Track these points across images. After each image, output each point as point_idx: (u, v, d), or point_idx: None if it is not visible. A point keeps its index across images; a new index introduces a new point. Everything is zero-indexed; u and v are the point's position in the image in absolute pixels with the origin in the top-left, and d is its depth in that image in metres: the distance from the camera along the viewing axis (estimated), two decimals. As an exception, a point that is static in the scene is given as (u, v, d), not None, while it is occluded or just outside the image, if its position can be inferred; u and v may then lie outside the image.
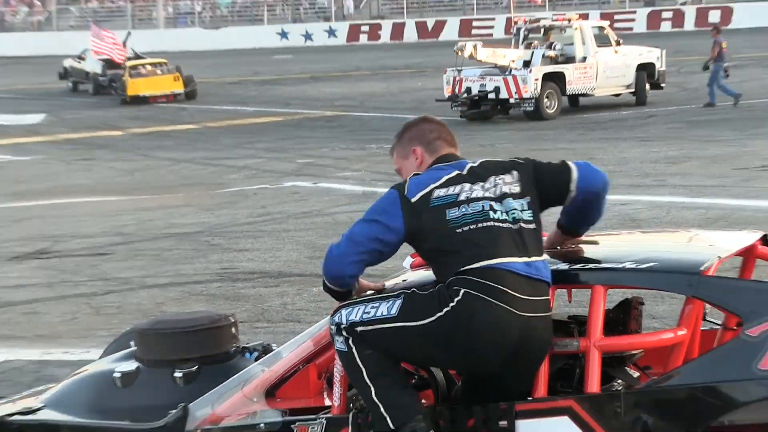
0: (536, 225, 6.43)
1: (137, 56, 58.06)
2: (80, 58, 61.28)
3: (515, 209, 6.40)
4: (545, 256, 6.44)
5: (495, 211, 6.37)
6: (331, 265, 6.63)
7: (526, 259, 6.27)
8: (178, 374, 7.62)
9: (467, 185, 6.42)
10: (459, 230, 6.33)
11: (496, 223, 6.34)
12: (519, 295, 6.19)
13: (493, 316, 6.21)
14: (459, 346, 6.33)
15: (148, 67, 55.83)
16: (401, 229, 6.46)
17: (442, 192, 6.38)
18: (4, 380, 11.63)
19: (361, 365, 6.50)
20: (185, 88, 54.29)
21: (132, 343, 8.21)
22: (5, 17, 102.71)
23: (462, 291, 6.21)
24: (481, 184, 6.44)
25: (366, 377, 6.51)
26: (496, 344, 6.24)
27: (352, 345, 6.53)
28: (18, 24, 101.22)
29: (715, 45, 40.39)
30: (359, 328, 6.50)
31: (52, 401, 8.08)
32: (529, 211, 6.43)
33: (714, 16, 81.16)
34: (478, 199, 6.37)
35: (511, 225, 6.35)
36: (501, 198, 6.42)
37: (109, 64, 57.72)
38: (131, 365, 7.87)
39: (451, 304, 6.22)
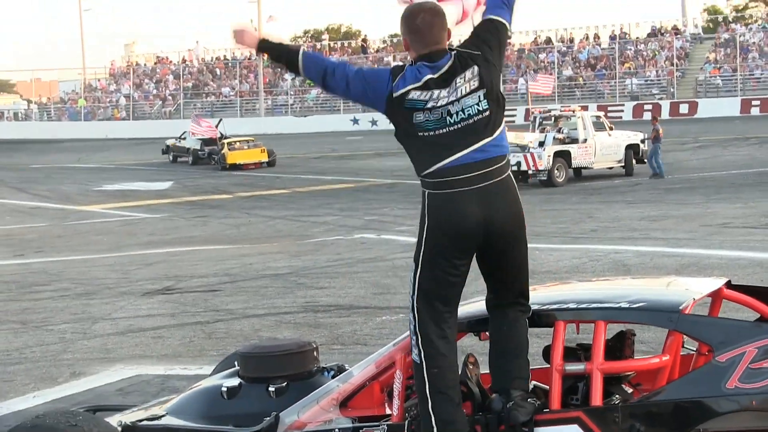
0: (491, 110, 6.52)
1: (224, 136, 60.21)
2: (181, 138, 63.84)
3: (471, 105, 6.50)
4: (498, 132, 6.59)
5: (451, 115, 6.46)
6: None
7: (475, 146, 6.43)
8: (271, 389, 7.56)
9: (435, 92, 6.47)
10: (421, 134, 6.47)
11: (451, 128, 6.45)
12: (470, 175, 6.41)
13: (452, 200, 6.44)
14: (448, 231, 6.47)
15: (240, 143, 58.24)
16: (382, 100, 6.59)
17: (415, 95, 6.48)
18: (135, 390, 11.54)
19: (426, 378, 6.40)
20: (268, 158, 56.73)
21: (236, 363, 8.13)
22: (144, 108, 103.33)
23: (426, 193, 6.55)
24: (447, 89, 6.49)
25: (428, 390, 6.38)
26: (467, 215, 6.42)
27: (423, 359, 6.41)
28: (154, 113, 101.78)
29: (653, 130, 41.39)
30: (415, 311, 6.49)
31: (173, 410, 7.99)
32: (485, 101, 6.51)
33: (684, 109, 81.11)
34: (438, 107, 6.44)
35: (465, 122, 6.46)
36: (459, 99, 6.48)
37: (206, 141, 60.40)
38: (235, 381, 7.80)
39: (426, 209, 6.55)
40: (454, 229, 6.47)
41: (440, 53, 6.60)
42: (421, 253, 6.56)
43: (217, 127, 61.80)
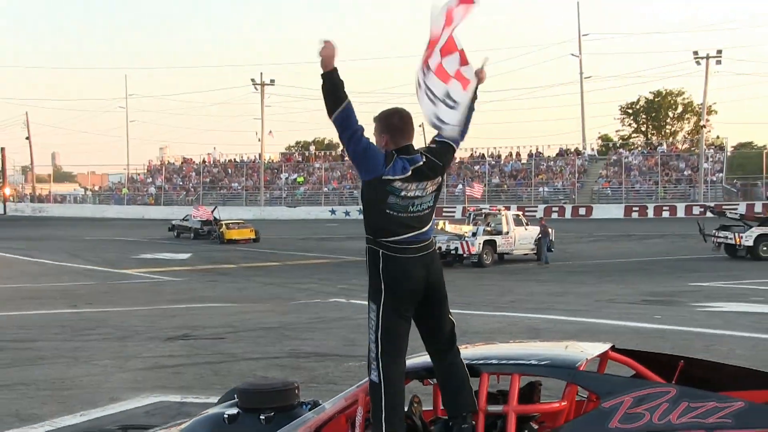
0: (434, 207, 6.76)
1: (217, 219, 62.13)
2: (184, 219, 66.07)
3: (427, 201, 6.66)
4: (431, 223, 6.77)
5: (414, 206, 6.57)
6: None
7: (423, 229, 6.61)
8: (262, 417, 7.50)
9: (410, 185, 6.55)
10: (387, 211, 6.50)
11: (411, 213, 6.55)
12: (418, 246, 6.56)
13: (407, 263, 6.52)
14: (403, 284, 6.53)
15: (234, 225, 60.37)
16: (372, 174, 6.53)
17: (397, 185, 6.53)
18: (158, 413, 11.43)
19: (383, 395, 6.42)
20: (255, 236, 58.42)
21: (235, 396, 8.08)
22: (172, 196, 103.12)
23: (381, 253, 6.53)
24: (417, 185, 6.59)
25: (383, 404, 6.41)
26: (415, 274, 6.54)
27: (382, 380, 6.45)
28: (179, 201, 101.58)
29: (542, 228, 42.04)
30: (379, 343, 6.50)
31: (186, 430, 7.92)
32: (433, 200, 6.72)
33: (582, 211, 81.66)
34: (408, 197, 6.54)
35: (421, 212, 6.60)
36: (423, 196, 6.61)
37: (204, 223, 62.65)
38: (234, 410, 7.74)
39: (383, 266, 6.50)
40: (407, 283, 6.52)
41: (412, 148, 6.69)
42: (383, 297, 6.51)
43: (212, 212, 63.99)
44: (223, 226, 59.50)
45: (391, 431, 6.43)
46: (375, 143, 6.66)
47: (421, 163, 6.63)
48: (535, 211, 74.84)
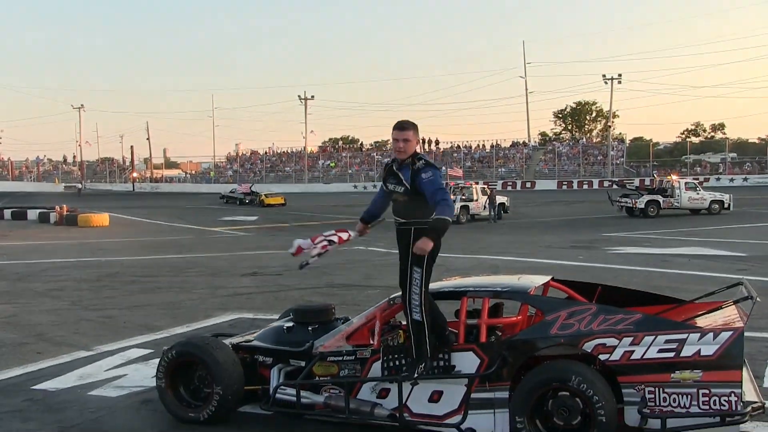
0: None
1: (254, 192, 66.59)
2: (231, 192, 69.11)
3: None
4: None
5: None
6: (452, 208, 6.24)
7: None
8: (310, 329, 7.47)
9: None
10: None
11: None
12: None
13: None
14: (438, 247, 6.33)
15: (269, 195, 63.86)
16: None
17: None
18: (237, 326, 11.44)
19: (426, 328, 6.28)
20: (284, 202, 61.36)
21: (291, 314, 8.06)
22: (244, 178, 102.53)
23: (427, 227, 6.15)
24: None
25: (428, 337, 6.31)
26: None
27: (425, 318, 6.31)
28: (249, 179, 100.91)
29: (490, 195, 41.06)
30: (423, 293, 6.31)
31: (258, 337, 7.92)
32: None
33: (528, 185, 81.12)
34: None
35: None
36: None
37: (246, 194, 66.47)
38: (290, 324, 7.71)
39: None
40: (438, 249, 6.32)
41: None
42: (426, 261, 6.26)
43: (250, 187, 69.54)
44: (263, 195, 63.38)
45: (434, 348, 6.35)
46: (412, 144, 6.41)
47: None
48: (496, 185, 74.61)
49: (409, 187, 6.27)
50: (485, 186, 46.19)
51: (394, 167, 6.52)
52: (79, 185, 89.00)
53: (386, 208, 7.10)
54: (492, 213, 40.23)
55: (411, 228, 6.29)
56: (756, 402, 6.00)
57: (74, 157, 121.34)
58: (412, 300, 6.31)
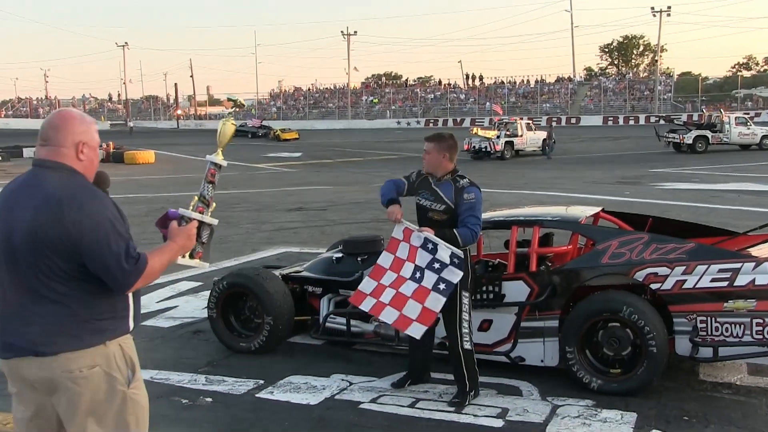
0: None
1: (266, 126, 69.76)
2: (242, 126, 68.00)
3: None
4: None
5: None
6: (474, 239, 5.78)
7: None
8: (359, 259, 7.54)
9: None
10: None
11: None
12: None
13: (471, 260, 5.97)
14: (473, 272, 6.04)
15: (284, 130, 66.39)
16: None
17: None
18: (284, 259, 11.58)
19: (474, 358, 5.91)
20: (297, 136, 63.84)
21: (339, 246, 8.11)
22: (287, 114, 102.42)
23: (468, 251, 5.82)
24: None
25: (475, 364, 5.95)
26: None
27: (473, 347, 5.92)
28: (293, 116, 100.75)
29: (549, 131, 40.77)
30: (470, 321, 5.93)
31: (307, 268, 8.02)
32: None
33: (573, 121, 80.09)
34: None
35: None
36: None
37: (259, 128, 68.73)
38: (340, 254, 7.77)
39: (469, 260, 5.84)
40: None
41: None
42: (469, 286, 5.89)
43: (261, 122, 73.17)
44: (278, 130, 65.79)
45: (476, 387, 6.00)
46: (434, 156, 5.93)
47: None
48: (540, 121, 73.66)
49: (453, 205, 5.83)
50: (530, 122, 45.71)
51: (430, 180, 6.04)
52: (131, 123, 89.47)
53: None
54: (548, 149, 39.81)
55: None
56: (811, 332, 5.94)
57: (119, 95, 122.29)
58: (462, 328, 5.84)
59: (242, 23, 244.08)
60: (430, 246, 5.58)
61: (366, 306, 5.79)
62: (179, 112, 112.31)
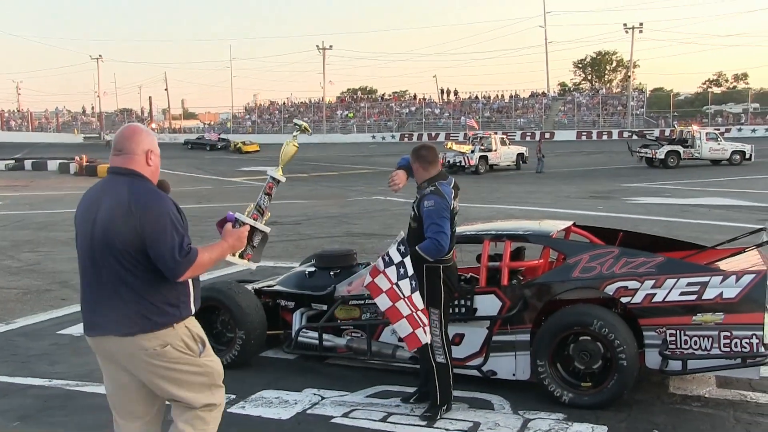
0: None
1: (224, 139, 72.80)
2: (199, 138, 74.30)
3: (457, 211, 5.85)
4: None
5: (456, 216, 5.80)
6: (439, 250, 5.59)
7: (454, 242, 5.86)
8: (332, 273, 7.52)
9: (454, 202, 5.73)
10: (452, 229, 5.72)
11: (454, 230, 5.78)
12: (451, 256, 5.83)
13: (453, 270, 5.86)
14: (449, 285, 5.85)
15: (245, 143, 69.21)
16: (449, 214, 5.64)
17: (454, 203, 5.73)
18: (258, 273, 11.52)
19: (449, 372, 5.86)
20: (258, 149, 65.54)
21: (312, 260, 8.10)
22: (263, 128, 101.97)
23: (441, 266, 5.69)
24: (456, 199, 5.78)
25: (449, 379, 5.90)
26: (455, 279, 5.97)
27: (448, 359, 5.88)
28: (267, 131, 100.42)
29: (539, 150, 40.24)
30: (443, 334, 5.85)
31: (280, 282, 8.00)
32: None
33: (547, 135, 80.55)
34: (455, 212, 5.75)
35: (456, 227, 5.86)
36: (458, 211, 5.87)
37: (220, 140, 72.15)
38: (313, 268, 7.75)
39: (442, 274, 5.71)
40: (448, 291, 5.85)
41: (444, 173, 5.91)
42: (443, 299, 5.80)
43: (219, 135, 76.37)
44: (239, 143, 68.75)
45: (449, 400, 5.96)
46: (415, 173, 5.84)
47: (453, 180, 5.92)
48: (514, 135, 74.06)
49: (418, 213, 5.72)
50: (504, 137, 45.97)
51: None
52: (107, 137, 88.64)
53: None
54: (538, 164, 39.69)
55: (423, 266, 5.66)
56: (777, 344, 6.02)
57: (93, 107, 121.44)
58: (434, 342, 5.78)
59: (218, 37, 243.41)
60: (386, 258, 5.44)
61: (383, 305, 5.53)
62: (154, 125, 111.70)
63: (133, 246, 3.69)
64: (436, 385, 5.85)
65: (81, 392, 6.74)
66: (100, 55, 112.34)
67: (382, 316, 5.90)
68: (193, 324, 3.99)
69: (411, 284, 5.40)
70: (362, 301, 6.96)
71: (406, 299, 5.40)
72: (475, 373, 6.45)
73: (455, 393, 6.08)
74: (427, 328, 5.47)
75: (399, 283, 5.40)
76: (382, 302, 5.45)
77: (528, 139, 75.39)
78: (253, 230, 4.43)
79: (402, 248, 5.41)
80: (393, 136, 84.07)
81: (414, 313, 5.41)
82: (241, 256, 4.43)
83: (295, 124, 5.31)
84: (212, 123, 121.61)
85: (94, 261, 3.80)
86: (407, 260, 5.40)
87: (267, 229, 4.54)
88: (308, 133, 5.34)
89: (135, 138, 3.92)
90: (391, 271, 5.42)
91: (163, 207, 3.75)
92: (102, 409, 6.15)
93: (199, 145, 71.11)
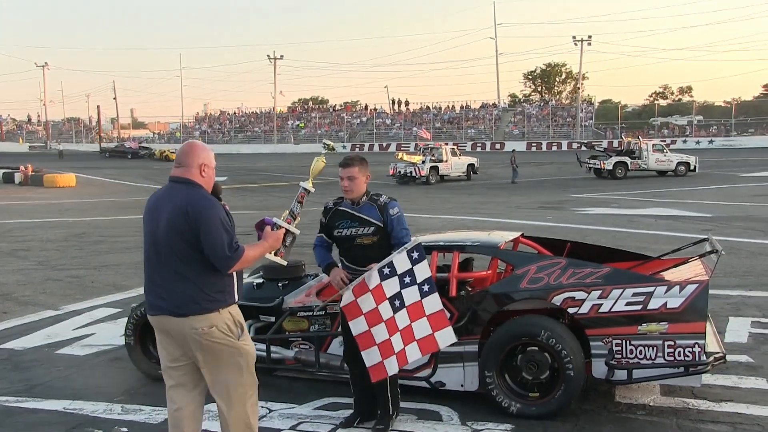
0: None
1: (146, 147, 75.54)
2: (118, 147, 76.18)
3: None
4: None
5: None
6: None
7: None
8: (280, 284, 7.48)
9: None
10: None
11: None
12: None
13: None
14: None
15: (170, 151, 68.42)
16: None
17: None
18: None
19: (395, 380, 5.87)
20: None
21: (260, 271, 8.04)
22: (213, 138, 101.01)
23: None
24: None
25: (397, 386, 5.94)
26: None
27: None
28: (217, 141, 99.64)
29: (513, 162, 40.31)
30: None
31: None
32: None
33: (498, 146, 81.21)
34: None
35: None
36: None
37: (141, 148, 74.45)
38: (260, 280, 7.70)
39: None
40: None
41: None
42: None
43: (140, 144, 77.88)
44: (166, 151, 69.58)
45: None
46: (360, 181, 5.88)
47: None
48: (465, 146, 74.55)
49: (381, 224, 5.75)
50: (455, 148, 46.20)
51: (346, 209, 5.99)
52: (60, 147, 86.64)
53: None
54: (513, 175, 39.76)
55: None
56: (718, 353, 6.13)
57: (39, 116, 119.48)
58: None
59: (167, 46, 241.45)
60: (387, 270, 5.37)
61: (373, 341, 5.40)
62: (102, 135, 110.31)
63: (189, 243, 4.42)
64: (388, 396, 5.82)
65: (21, 408, 6.58)
66: (46, 63, 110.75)
67: (334, 329, 5.91)
68: (236, 311, 4.66)
69: (421, 290, 5.38)
70: (310, 313, 6.93)
71: (396, 317, 5.30)
72: (423, 384, 6.44)
73: (403, 404, 6.07)
74: (445, 333, 5.40)
75: (402, 292, 5.34)
76: (357, 327, 5.38)
77: (479, 149, 76.08)
78: (286, 232, 5.21)
79: (415, 254, 5.39)
80: (344, 147, 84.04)
81: (391, 338, 5.30)
82: (275, 254, 5.19)
83: (324, 143, 6.10)
84: (162, 132, 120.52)
85: (158, 254, 4.51)
86: (419, 266, 5.38)
87: (297, 231, 5.31)
88: (334, 152, 6.08)
89: (192, 153, 4.70)
90: (391, 284, 5.34)
91: (214, 211, 4.49)
92: (44, 425, 6.06)
93: (121, 154, 72.04)
